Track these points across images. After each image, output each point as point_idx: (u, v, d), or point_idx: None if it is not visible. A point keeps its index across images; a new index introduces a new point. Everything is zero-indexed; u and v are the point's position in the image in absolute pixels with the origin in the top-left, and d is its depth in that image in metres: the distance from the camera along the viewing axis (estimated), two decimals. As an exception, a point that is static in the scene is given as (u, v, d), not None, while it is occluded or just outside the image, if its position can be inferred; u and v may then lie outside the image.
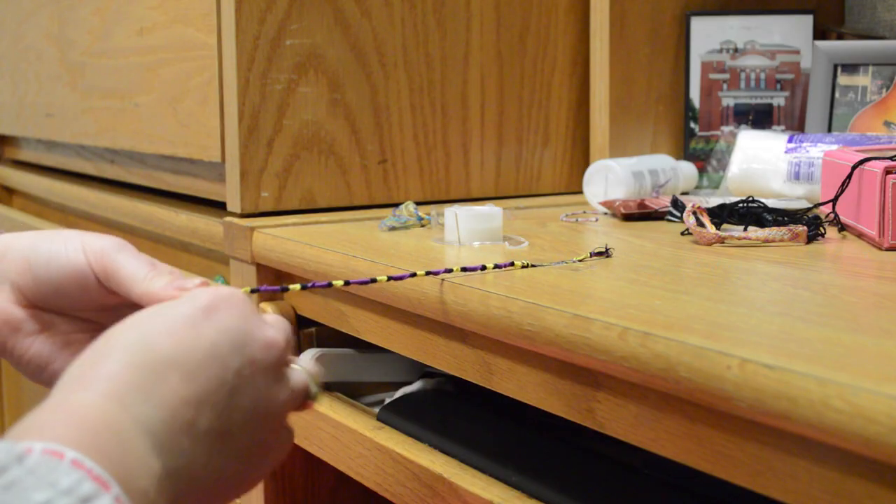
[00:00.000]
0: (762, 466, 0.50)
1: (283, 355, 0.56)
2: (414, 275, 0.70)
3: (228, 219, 1.00)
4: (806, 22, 1.13)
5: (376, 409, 0.86)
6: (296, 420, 0.91)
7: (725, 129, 1.14)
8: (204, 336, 0.52)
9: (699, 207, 0.83)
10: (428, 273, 0.70)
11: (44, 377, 0.63)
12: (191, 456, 0.49)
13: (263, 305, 0.94)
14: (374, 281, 0.69)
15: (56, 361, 0.63)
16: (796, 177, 0.98)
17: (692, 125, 1.15)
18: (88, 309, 0.64)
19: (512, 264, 0.72)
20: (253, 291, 0.65)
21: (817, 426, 0.45)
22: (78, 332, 0.64)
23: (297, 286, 0.66)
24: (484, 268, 0.71)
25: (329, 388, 0.94)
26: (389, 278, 0.70)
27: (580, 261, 0.74)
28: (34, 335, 0.63)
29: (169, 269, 0.62)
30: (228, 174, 1.03)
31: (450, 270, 0.70)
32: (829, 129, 1.08)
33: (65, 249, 0.62)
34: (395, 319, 0.79)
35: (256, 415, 0.53)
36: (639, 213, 0.95)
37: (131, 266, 0.61)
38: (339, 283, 0.67)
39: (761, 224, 0.85)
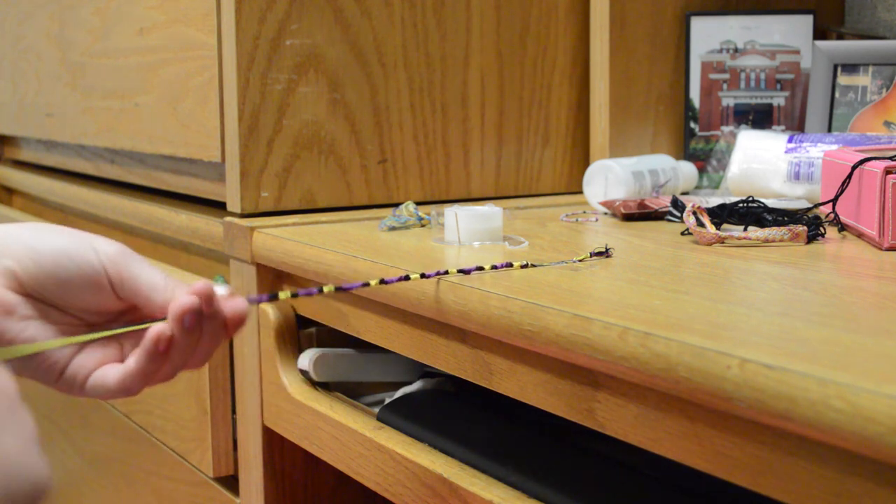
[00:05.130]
0: (762, 466, 0.50)
1: None
2: (407, 278, 0.69)
3: (228, 219, 1.00)
4: (806, 22, 1.13)
5: (376, 409, 0.86)
6: (296, 420, 0.91)
7: (725, 129, 1.14)
8: None
9: (699, 207, 0.83)
10: (422, 276, 0.70)
11: (32, 364, 0.62)
12: None
13: (263, 306, 0.94)
14: (366, 285, 0.68)
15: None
16: (796, 177, 0.98)
17: (692, 125, 1.15)
18: (87, 309, 0.63)
19: (510, 265, 0.71)
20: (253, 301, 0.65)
21: (817, 426, 0.45)
22: (71, 326, 0.63)
23: (288, 293, 0.65)
24: (481, 269, 0.70)
25: (329, 388, 0.94)
26: (381, 281, 0.69)
27: (580, 261, 0.74)
28: (28, 320, 0.61)
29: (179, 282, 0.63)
30: (228, 174, 1.03)
31: (445, 272, 0.70)
32: (829, 129, 1.08)
33: (76, 249, 0.62)
34: (395, 319, 0.79)
35: None
36: (639, 213, 0.95)
37: (148, 275, 0.62)
38: (329, 288, 0.66)
39: (761, 224, 0.85)
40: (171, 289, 0.62)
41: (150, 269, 0.63)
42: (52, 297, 0.62)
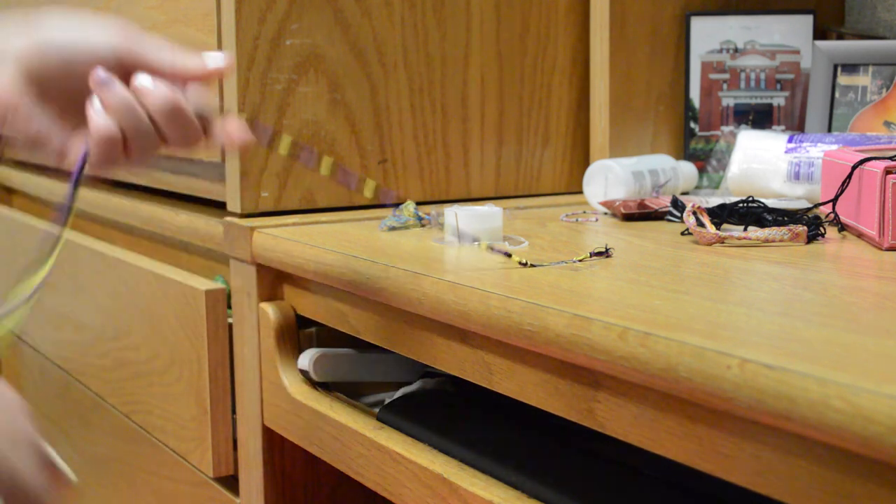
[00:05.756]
0: (762, 466, 0.50)
1: None
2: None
3: (228, 219, 1.00)
4: (806, 22, 1.13)
5: (376, 409, 0.86)
6: (296, 420, 0.91)
7: (725, 129, 1.14)
8: None
9: (699, 207, 0.83)
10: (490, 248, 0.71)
11: (39, 147, 0.70)
12: None
13: (263, 306, 0.94)
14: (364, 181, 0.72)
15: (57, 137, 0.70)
16: (796, 177, 0.98)
17: (692, 125, 1.15)
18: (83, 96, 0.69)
19: (509, 256, 0.72)
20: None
21: (817, 426, 0.45)
22: (74, 113, 0.70)
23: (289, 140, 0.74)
24: (509, 255, 0.73)
25: (329, 388, 0.94)
26: (376, 205, 0.73)
27: (580, 261, 0.74)
28: (33, 112, 0.68)
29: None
30: (228, 174, 1.03)
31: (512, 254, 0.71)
32: (829, 129, 1.08)
33: (84, 41, 0.68)
34: (395, 319, 0.79)
35: None
36: (639, 213, 0.95)
37: (154, 42, 0.69)
38: (327, 161, 0.74)
39: (761, 224, 0.85)
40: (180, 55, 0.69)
41: (157, 52, 0.69)
42: (55, 89, 0.69)
